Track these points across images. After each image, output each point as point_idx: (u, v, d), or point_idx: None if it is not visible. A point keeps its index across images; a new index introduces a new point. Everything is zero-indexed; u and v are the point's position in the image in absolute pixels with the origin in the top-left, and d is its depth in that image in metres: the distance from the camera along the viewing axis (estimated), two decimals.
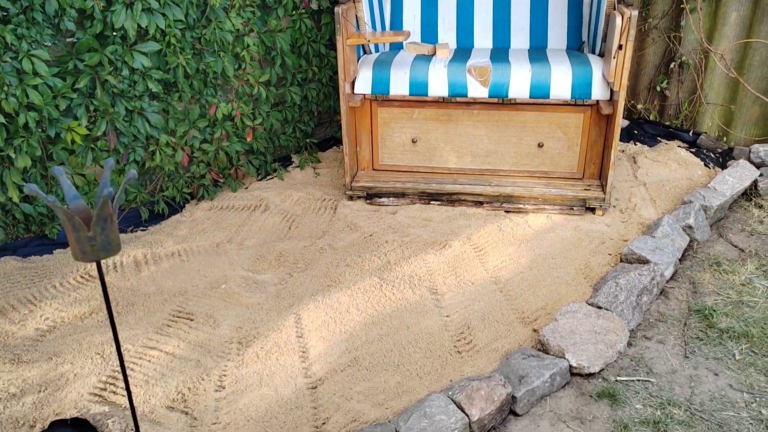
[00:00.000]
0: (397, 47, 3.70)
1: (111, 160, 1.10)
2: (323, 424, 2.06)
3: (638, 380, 2.23)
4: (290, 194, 3.54)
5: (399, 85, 3.24)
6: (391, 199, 3.41)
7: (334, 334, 2.45)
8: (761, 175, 3.42)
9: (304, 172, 3.85)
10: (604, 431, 2.04)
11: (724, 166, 3.62)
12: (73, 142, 2.87)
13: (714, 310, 2.55)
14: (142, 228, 3.24)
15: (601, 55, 3.22)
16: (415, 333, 2.47)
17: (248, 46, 3.32)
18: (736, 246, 3.03)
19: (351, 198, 3.46)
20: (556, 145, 3.33)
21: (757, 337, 2.41)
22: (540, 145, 3.33)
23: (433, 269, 2.85)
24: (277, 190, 3.59)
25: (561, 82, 3.13)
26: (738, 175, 3.38)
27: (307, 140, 3.96)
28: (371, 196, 3.42)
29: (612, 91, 3.09)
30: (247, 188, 3.64)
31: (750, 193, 3.40)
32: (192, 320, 2.54)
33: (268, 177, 3.76)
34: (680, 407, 2.12)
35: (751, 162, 3.53)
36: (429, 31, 3.74)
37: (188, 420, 2.05)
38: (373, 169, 3.54)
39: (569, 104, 3.20)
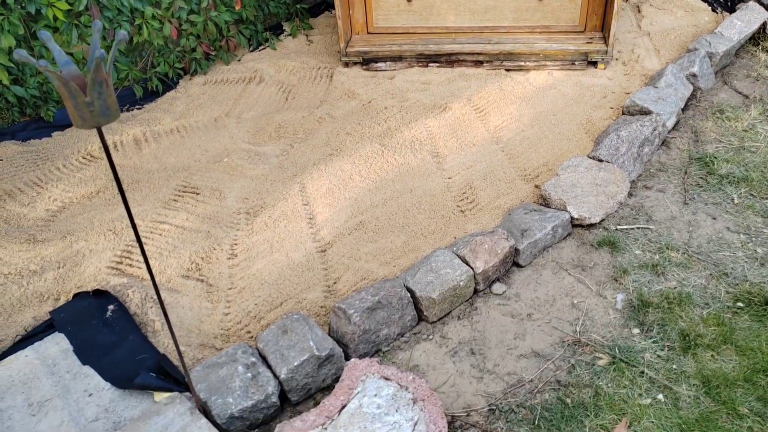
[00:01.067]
0: None
1: (98, 22, 1.06)
2: (334, 283, 2.15)
3: (638, 228, 2.29)
4: (284, 64, 3.45)
5: None
6: (388, 63, 3.32)
7: (338, 201, 2.49)
8: None
9: (296, 41, 3.72)
10: (604, 276, 2.13)
11: (732, 10, 3.48)
12: (55, 18, 2.76)
13: (715, 157, 2.56)
14: (137, 106, 3.20)
15: None
16: (418, 195, 2.50)
17: None
18: (740, 92, 2.99)
19: (347, 65, 3.37)
20: None
21: (756, 181, 2.44)
22: None
23: (434, 133, 2.84)
24: (271, 61, 3.49)
25: None
26: (746, 19, 3.26)
27: (298, 6, 3.80)
28: (367, 61, 3.34)
29: None
30: (240, 60, 3.54)
31: (758, 37, 3.30)
32: (198, 194, 2.57)
33: (261, 47, 3.65)
34: (678, 250, 2.19)
35: (761, 4, 3.39)
36: None
37: (204, 287, 2.14)
38: (368, 33, 3.42)
39: None
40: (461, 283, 2.03)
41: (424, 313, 2.00)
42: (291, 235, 2.34)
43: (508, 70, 3.24)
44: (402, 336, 1.99)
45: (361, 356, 1.89)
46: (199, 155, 2.81)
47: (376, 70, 3.33)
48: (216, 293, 2.12)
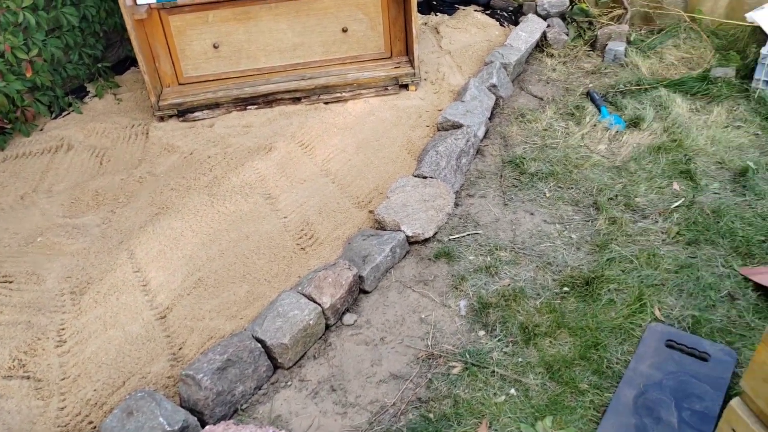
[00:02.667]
0: None
1: None
2: (180, 349, 2.04)
3: (468, 235, 2.42)
4: (94, 127, 3.25)
5: None
6: (205, 111, 3.25)
7: (172, 261, 2.37)
8: (548, 26, 3.67)
9: (104, 101, 3.53)
10: (445, 286, 2.22)
11: (516, 23, 3.83)
12: None
13: (523, 158, 2.78)
14: None
15: None
16: (255, 241, 2.46)
17: None
18: (535, 96, 3.28)
19: (162, 119, 3.25)
20: (360, 27, 3.31)
21: (561, 174, 2.68)
22: (344, 30, 3.29)
23: (263, 174, 2.81)
24: (78, 126, 3.27)
25: None
26: (529, 29, 3.60)
27: (100, 65, 3.61)
28: (183, 112, 3.24)
29: None
30: (42, 129, 3.28)
31: (541, 44, 3.66)
32: (11, 282, 2.33)
33: (64, 113, 3.41)
34: (506, 249, 2.34)
35: (539, 15, 3.77)
36: None
37: (32, 383, 1.93)
38: (180, 84, 3.33)
39: None
40: (311, 322, 2.01)
41: (279, 360, 1.96)
42: (125, 307, 2.19)
43: (326, 103, 3.31)
44: (259, 389, 1.93)
45: (219, 420, 1.80)
46: (7, 239, 2.55)
47: (194, 120, 3.25)
48: (47, 388, 1.92)
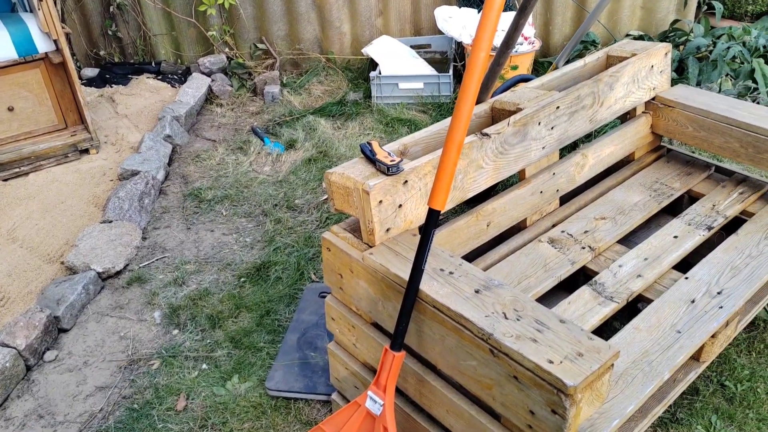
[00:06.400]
0: None
1: None
2: None
3: (156, 260, 2.74)
4: None
5: None
6: None
7: None
8: (212, 80, 4.20)
9: None
10: (140, 305, 2.50)
11: (185, 83, 4.29)
12: None
13: (201, 189, 3.20)
14: None
15: (32, 10, 3.42)
16: None
17: None
18: (209, 139, 3.75)
19: None
20: (27, 104, 3.46)
21: (234, 195, 3.15)
22: (10, 109, 3.42)
23: None
24: None
25: (2, 43, 3.23)
26: (195, 86, 4.09)
27: None
28: None
29: (55, 41, 3.34)
30: None
31: (210, 97, 4.16)
32: None
33: None
34: (191, 262, 2.71)
35: (203, 73, 4.28)
36: None
37: None
38: None
39: (21, 62, 3.34)
40: (8, 365, 2.14)
41: None
42: None
43: (6, 180, 3.37)
44: None
45: None
46: None
47: None
48: None
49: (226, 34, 4.36)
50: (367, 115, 3.78)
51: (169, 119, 3.66)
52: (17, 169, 3.40)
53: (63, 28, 3.32)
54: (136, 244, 2.79)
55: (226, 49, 4.41)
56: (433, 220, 1.38)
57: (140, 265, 2.71)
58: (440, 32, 3.96)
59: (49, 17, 3.21)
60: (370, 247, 1.59)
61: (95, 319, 2.45)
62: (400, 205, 1.60)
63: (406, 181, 1.59)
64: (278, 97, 4.10)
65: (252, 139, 3.65)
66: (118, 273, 2.66)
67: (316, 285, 2.50)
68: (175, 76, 4.41)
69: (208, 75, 4.27)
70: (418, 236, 1.62)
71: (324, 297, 2.42)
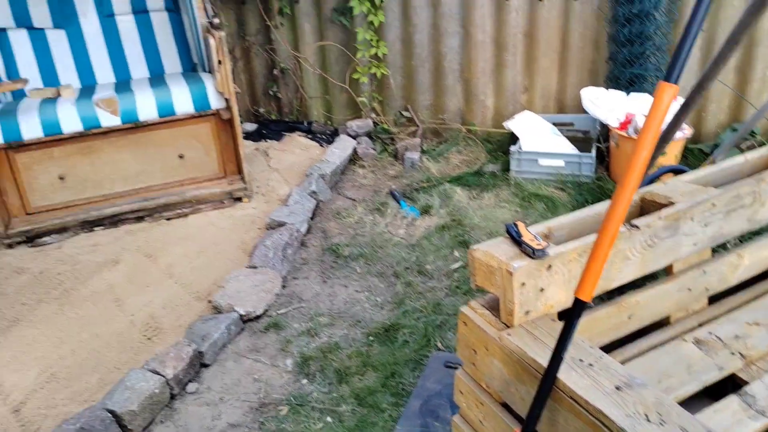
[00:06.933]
0: (18, 96, 3.81)
1: None
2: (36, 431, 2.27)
3: (293, 308, 2.90)
4: None
5: (31, 129, 3.41)
6: (53, 236, 3.55)
7: (24, 364, 2.61)
8: (358, 143, 4.45)
9: None
10: (274, 351, 2.65)
11: (332, 143, 4.57)
12: None
13: (339, 245, 3.37)
14: None
15: (210, 71, 3.84)
16: (105, 338, 2.76)
17: None
18: (350, 198, 3.95)
19: (10, 246, 3.50)
20: (196, 153, 3.85)
21: (369, 254, 3.28)
22: (181, 157, 3.82)
23: (111, 283, 3.14)
24: None
25: (182, 99, 3.65)
26: (342, 147, 4.35)
27: None
28: (32, 238, 3.52)
29: (226, 100, 3.72)
30: None
31: (354, 158, 4.40)
32: None
33: None
34: (325, 315, 2.84)
35: (349, 135, 4.55)
36: (49, 75, 3.92)
37: None
38: (27, 214, 3.62)
39: (195, 117, 3.75)
40: (156, 391, 2.34)
41: (128, 427, 2.25)
42: None
43: (168, 219, 3.74)
44: None
45: None
46: None
47: (43, 245, 3.53)
48: None
49: (374, 101, 4.63)
50: (504, 188, 3.83)
51: (315, 176, 3.91)
52: (179, 211, 3.77)
53: (234, 88, 3.69)
54: (276, 292, 2.98)
55: (373, 115, 4.66)
56: (579, 310, 1.38)
57: (278, 312, 2.87)
58: (585, 112, 3.96)
59: (225, 79, 3.59)
60: (508, 327, 1.60)
61: (233, 358, 2.63)
62: (542, 289, 1.61)
63: (551, 266, 1.60)
64: (417, 163, 4.25)
65: (389, 202, 3.80)
66: (258, 317, 2.85)
67: (442, 354, 2.52)
68: (324, 136, 4.71)
69: (354, 137, 4.53)
70: (558, 322, 1.62)
71: (449, 367, 2.43)
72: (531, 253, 1.59)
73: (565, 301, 1.66)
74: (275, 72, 4.75)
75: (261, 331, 2.77)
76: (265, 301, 2.90)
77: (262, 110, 4.97)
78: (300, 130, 4.84)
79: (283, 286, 3.06)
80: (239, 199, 3.90)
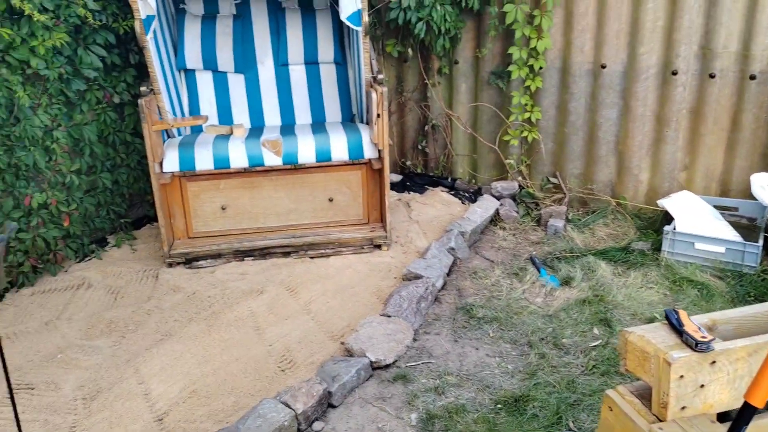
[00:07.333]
0: (197, 130, 4.21)
1: (13, 224, 1.48)
2: None
3: (422, 363, 2.90)
4: (111, 270, 3.81)
5: (204, 161, 3.75)
6: (208, 260, 3.84)
7: (171, 376, 2.81)
8: (501, 204, 4.43)
9: (121, 250, 4.12)
10: (400, 402, 2.65)
11: (475, 202, 4.58)
12: None
13: (473, 305, 3.34)
14: None
15: (368, 123, 4.03)
16: (243, 363, 2.91)
17: (57, 139, 3.62)
18: (488, 259, 3.92)
19: (171, 265, 3.83)
20: (344, 198, 4.03)
21: (503, 319, 3.22)
22: (330, 200, 4.00)
23: (254, 311, 3.32)
24: (98, 269, 3.83)
25: (339, 147, 3.86)
26: (484, 207, 4.35)
27: (122, 221, 4.26)
28: (189, 260, 3.83)
29: (379, 151, 3.88)
30: (66, 271, 3.83)
31: (495, 219, 4.38)
32: (33, 389, 2.74)
33: (87, 258, 3.98)
34: (453, 375, 2.81)
35: (493, 196, 4.54)
36: (225, 115, 4.31)
37: None
38: (189, 238, 3.95)
39: (348, 164, 3.94)
40: (285, 423, 2.42)
41: None
42: (129, 410, 2.59)
43: (312, 258, 3.91)
44: None
45: None
46: (31, 355, 2.99)
47: (198, 268, 3.82)
48: None
49: (522, 164, 4.61)
50: (653, 268, 3.62)
51: (455, 233, 3.93)
52: (323, 251, 3.93)
53: (388, 140, 3.84)
54: (407, 343, 2.99)
55: (519, 178, 4.63)
56: (748, 416, 1.27)
57: (407, 364, 2.88)
58: (753, 198, 3.68)
59: (381, 131, 3.75)
60: (660, 420, 1.50)
61: (360, 404, 2.66)
62: (703, 386, 1.50)
63: (714, 362, 1.49)
64: (561, 231, 4.15)
65: (528, 268, 3.73)
66: (387, 366, 2.87)
67: None
68: (467, 194, 4.74)
69: (498, 198, 4.51)
70: (718, 425, 1.49)
71: None
72: (693, 345, 1.49)
73: (728, 402, 1.53)
74: (426, 128, 4.89)
75: (389, 380, 2.79)
76: (396, 351, 2.93)
77: (408, 163, 5.11)
78: (443, 185, 4.92)
79: (414, 339, 3.08)
80: (379, 247, 4.00)
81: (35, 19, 3.25)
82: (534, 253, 3.94)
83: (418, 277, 3.48)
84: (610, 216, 4.27)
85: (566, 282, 3.55)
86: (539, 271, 3.67)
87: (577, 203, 4.49)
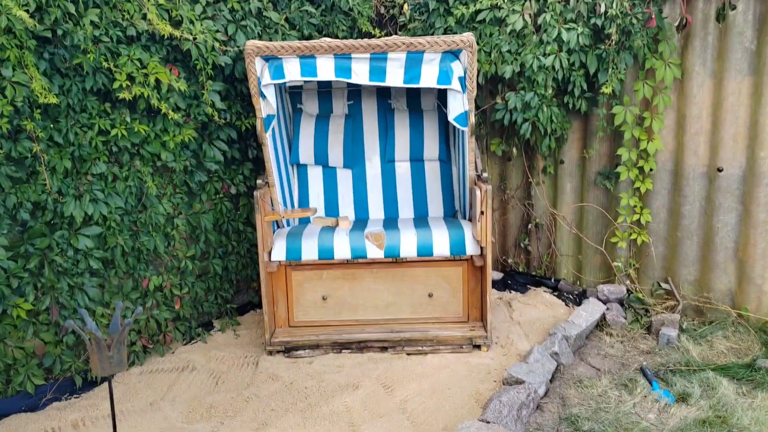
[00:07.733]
0: (304, 221, 4.38)
1: (120, 302, 1.58)
2: None
3: None
4: (214, 354, 3.92)
5: (309, 251, 3.86)
6: (307, 350, 3.87)
7: None
8: (608, 309, 4.22)
9: (225, 335, 4.25)
10: None
11: (579, 304, 4.40)
12: (18, 317, 3.20)
13: (578, 417, 3.13)
14: (75, 395, 3.47)
15: (470, 219, 4.03)
16: None
17: (177, 226, 3.87)
18: (593, 366, 3.70)
19: (270, 353, 3.89)
20: (443, 294, 3.99)
21: None
22: (430, 295, 3.98)
23: (349, 407, 3.28)
24: (202, 352, 3.96)
25: (441, 242, 3.87)
26: (590, 310, 4.16)
27: (228, 306, 4.42)
28: (289, 349, 3.88)
29: (481, 248, 3.85)
30: (173, 352, 3.98)
31: (601, 324, 4.17)
32: None
33: (193, 341, 4.13)
34: None
35: (599, 299, 4.34)
36: (331, 207, 4.47)
37: None
38: (289, 326, 4.02)
39: (449, 260, 3.93)
40: None
41: None
42: None
43: (408, 354, 3.86)
44: None
45: None
46: None
47: (297, 357, 3.86)
48: None
49: (630, 267, 4.41)
50: None
51: (559, 336, 3.76)
52: (420, 348, 3.87)
53: (491, 238, 3.81)
54: None
55: (627, 282, 4.43)
56: None
57: None
58: None
59: (484, 229, 3.73)
60: None
61: None
62: None
63: None
64: (674, 341, 3.87)
65: (639, 379, 3.48)
66: None
67: None
68: (571, 296, 4.57)
69: (604, 302, 4.31)
70: None
71: None
72: None
73: None
74: (529, 226, 4.83)
75: None
76: None
77: (510, 261, 5.03)
78: (546, 285, 4.77)
79: None
80: (478, 347, 3.89)
81: (170, 117, 3.57)
82: (645, 363, 3.68)
83: (519, 382, 3.32)
84: (731, 328, 3.96)
85: (682, 398, 3.27)
86: (651, 384, 3.41)
87: (691, 312, 4.21)
